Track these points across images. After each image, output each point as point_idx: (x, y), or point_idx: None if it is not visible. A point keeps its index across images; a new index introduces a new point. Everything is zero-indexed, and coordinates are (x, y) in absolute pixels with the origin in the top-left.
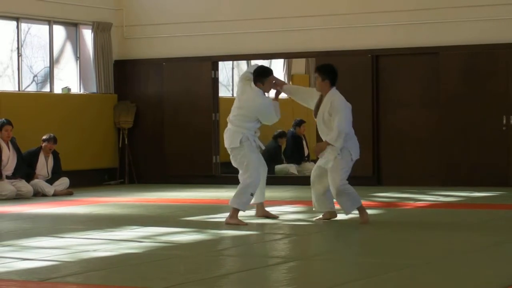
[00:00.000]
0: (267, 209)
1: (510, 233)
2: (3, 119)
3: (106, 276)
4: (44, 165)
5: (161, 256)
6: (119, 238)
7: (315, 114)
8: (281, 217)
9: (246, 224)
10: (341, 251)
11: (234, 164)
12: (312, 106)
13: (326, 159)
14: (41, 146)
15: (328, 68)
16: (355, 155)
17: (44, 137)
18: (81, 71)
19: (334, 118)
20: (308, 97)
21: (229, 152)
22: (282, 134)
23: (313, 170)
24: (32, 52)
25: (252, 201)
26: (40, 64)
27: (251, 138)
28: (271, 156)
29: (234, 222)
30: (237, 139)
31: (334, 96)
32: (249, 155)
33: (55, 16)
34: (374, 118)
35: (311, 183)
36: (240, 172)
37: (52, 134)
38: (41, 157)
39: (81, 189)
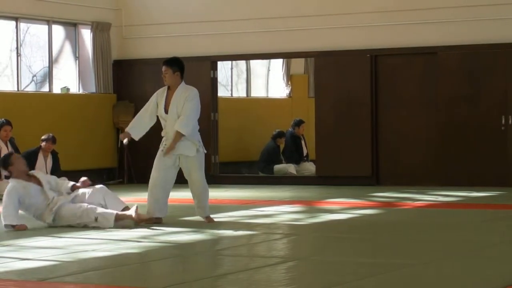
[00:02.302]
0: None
1: (509, 233)
2: (2, 119)
3: (104, 276)
4: (43, 165)
5: (159, 256)
6: (117, 238)
7: (166, 111)
8: (279, 217)
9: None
10: (340, 251)
11: None
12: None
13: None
14: (40, 146)
15: (178, 61)
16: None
17: (43, 137)
18: (80, 71)
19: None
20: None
21: None
22: (281, 134)
23: None
24: (31, 52)
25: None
26: (39, 64)
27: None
28: (270, 156)
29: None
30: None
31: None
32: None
33: (54, 16)
34: (373, 118)
35: None
36: None
37: (51, 134)
38: (40, 157)
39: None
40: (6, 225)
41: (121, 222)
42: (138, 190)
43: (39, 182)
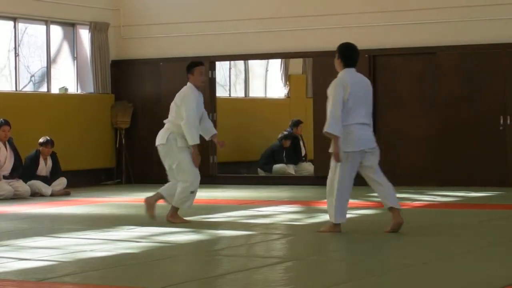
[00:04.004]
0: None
1: (508, 233)
2: (1, 119)
3: (103, 276)
4: (43, 167)
5: (158, 256)
6: (116, 238)
7: None
8: (278, 217)
9: (187, 221)
10: (338, 251)
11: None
12: None
13: None
14: (39, 150)
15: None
16: None
17: (40, 140)
18: (78, 71)
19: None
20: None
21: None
22: (287, 136)
23: None
24: (29, 52)
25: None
26: (37, 64)
27: (181, 139)
28: (274, 155)
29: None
30: (164, 137)
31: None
32: (179, 155)
33: (52, 16)
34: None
35: None
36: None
37: (48, 138)
38: (41, 161)
39: (78, 189)
40: None
41: None
42: (137, 191)
43: None
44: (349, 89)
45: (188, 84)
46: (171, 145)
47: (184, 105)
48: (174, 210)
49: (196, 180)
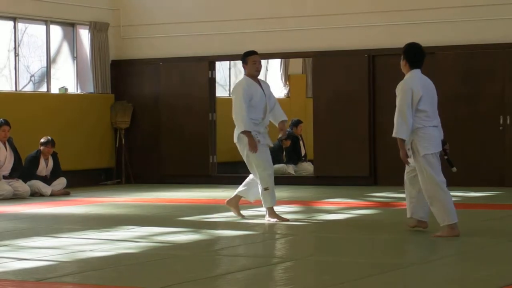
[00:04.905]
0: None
1: (507, 233)
2: (1, 119)
3: (102, 276)
4: (44, 167)
5: (157, 256)
6: (115, 238)
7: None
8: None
9: (287, 219)
10: (338, 251)
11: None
12: None
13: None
14: (40, 150)
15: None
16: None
17: (42, 140)
18: (78, 71)
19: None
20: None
21: None
22: (287, 136)
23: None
24: (29, 52)
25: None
26: (37, 64)
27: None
28: (274, 157)
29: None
30: (235, 135)
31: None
32: (249, 153)
33: (52, 16)
34: (371, 117)
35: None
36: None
37: (49, 137)
38: (42, 161)
39: (78, 189)
40: None
41: None
42: (136, 190)
43: None
44: (421, 92)
45: (243, 75)
46: (242, 142)
47: (233, 97)
48: (269, 210)
49: (266, 176)
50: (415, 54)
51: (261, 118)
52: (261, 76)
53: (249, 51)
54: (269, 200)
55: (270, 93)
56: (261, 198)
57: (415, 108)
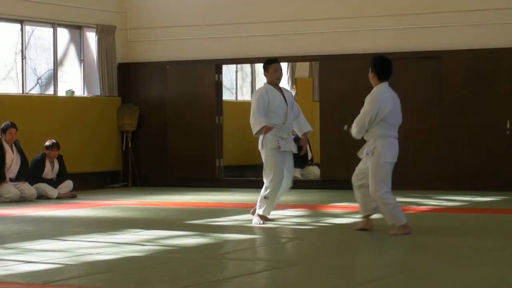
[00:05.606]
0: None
1: None
2: (8, 121)
3: (108, 279)
4: (50, 170)
5: (163, 260)
6: (122, 241)
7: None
8: (284, 221)
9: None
10: (344, 255)
11: None
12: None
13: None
14: (45, 153)
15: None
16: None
17: (47, 143)
18: (85, 74)
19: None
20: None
21: None
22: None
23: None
24: (36, 55)
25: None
26: (44, 66)
27: (271, 140)
28: None
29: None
30: (259, 142)
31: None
32: (267, 159)
33: (59, 19)
34: None
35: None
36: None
37: (54, 140)
38: (47, 164)
39: (84, 192)
40: None
41: None
42: (143, 194)
43: None
44: (390, 106)
45: (264, 82)
46: (265, 148)
47: (252, 101)
48: (259, 215)
49: (272, 186)
50: (382, 67)
51: (282, 123)
52: None
53: (271, 59)
54: (264, 210)
55: (293, 102)
56: (258, 202)
57: (381, 119)
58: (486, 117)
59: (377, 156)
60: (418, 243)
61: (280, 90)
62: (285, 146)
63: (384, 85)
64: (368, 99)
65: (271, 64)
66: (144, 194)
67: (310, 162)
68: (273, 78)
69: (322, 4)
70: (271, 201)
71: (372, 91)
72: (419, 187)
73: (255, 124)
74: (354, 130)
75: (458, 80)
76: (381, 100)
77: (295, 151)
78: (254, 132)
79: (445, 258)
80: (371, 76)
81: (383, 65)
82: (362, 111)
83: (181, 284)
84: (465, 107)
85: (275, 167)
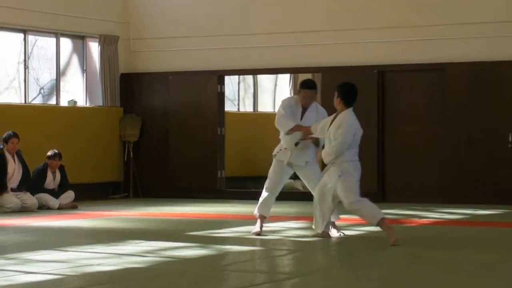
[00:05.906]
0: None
1: None
2: (10, 131)
3: None
4: (51, 180)
5: (164, 271)
6: (123, 252)
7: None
8: (285, 233)
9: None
10: (345, 267)
11: None
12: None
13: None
14: (47, 163)
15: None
16: None
17: (48, 153)
18: (88, 84)
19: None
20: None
21: None
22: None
23: None
24: (38, 65)
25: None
26: (46, 76)
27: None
28: None
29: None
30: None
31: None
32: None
33: (62, 29)
34: (380, 133)
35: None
36: None
37: (56, 151)
38: (49, 174)
39: (86, 202)
40: None
41: None
42: (144, 204)
43: None
44: (358, 132)
45: (297, 96)
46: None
47: (281, 104)
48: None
49: (264, 188)
50: (349, 93)
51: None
52: (270, 91)
53: (306, 83)
54: (256, 208)
55: (313, 122)
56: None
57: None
58: (488, 130)
59: (347, 172)
60: (419, 256)
61: (305, 107)
62: (281, 156)
63: (351, 111)
64: (344, 122)
65: (302, 89)
66: (145, 205)
67: None
68: (303, 101)
69: (325, 15)
70: (261, 201)
71: (343, 118)
72: (421, 200)
73: (282, 125)
74: (330, 157)
75: (461, 93)
76: (355, 126)
77: (285, 163)
78: (286, 131)
79: (446, 271)
80: (337, 101)
81: (350, 91)
82: (338, 138)
83: None
84: (468, 120)
85: (270, 173)
